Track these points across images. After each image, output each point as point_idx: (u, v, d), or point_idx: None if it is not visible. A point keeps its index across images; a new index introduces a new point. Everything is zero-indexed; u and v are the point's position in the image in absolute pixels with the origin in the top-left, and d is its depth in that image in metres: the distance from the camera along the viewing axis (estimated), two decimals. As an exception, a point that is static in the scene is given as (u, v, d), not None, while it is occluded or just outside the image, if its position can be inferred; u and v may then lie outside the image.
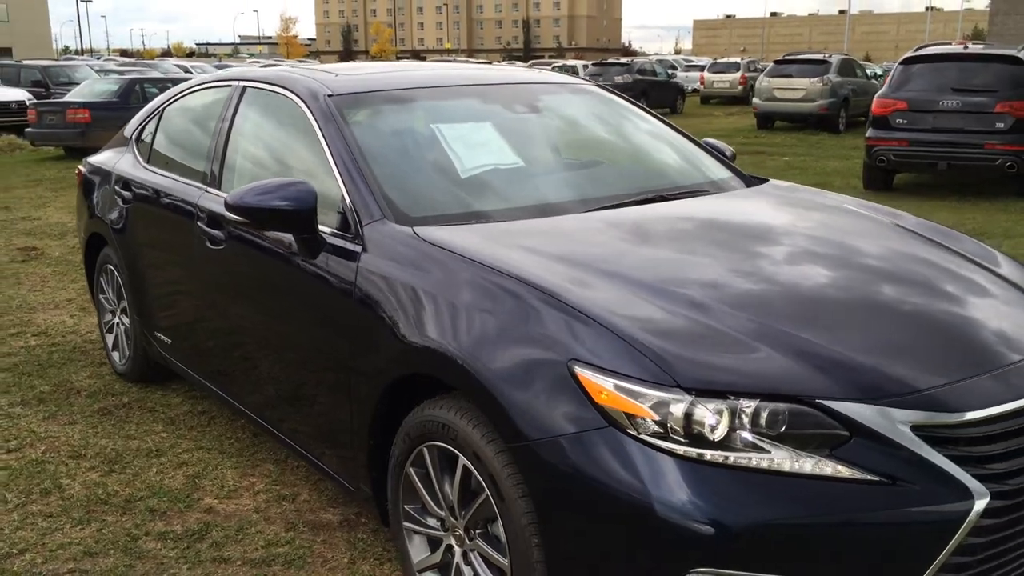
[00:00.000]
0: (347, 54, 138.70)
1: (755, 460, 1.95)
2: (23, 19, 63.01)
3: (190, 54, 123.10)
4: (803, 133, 19.63)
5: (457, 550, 2.49)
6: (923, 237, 3.05)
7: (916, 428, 1.99)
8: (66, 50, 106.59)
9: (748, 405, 1.98)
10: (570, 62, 37.31)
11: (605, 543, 2.05)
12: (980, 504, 1.95)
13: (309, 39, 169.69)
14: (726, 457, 1.96)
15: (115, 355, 4.74)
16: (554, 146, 3.59)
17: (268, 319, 3.27)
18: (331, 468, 3.02)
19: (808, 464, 1.95)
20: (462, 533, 2.46)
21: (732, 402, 1.98)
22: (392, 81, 3.57)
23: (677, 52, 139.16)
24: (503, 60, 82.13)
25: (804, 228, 3.03)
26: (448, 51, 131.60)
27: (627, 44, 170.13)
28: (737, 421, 1.98)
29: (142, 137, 4.48)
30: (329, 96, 3.23)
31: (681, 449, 1.97)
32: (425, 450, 2.50)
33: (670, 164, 3.66)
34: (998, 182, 10.88)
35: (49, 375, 4.75)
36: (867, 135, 11.26)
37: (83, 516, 3.31)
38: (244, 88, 3.71)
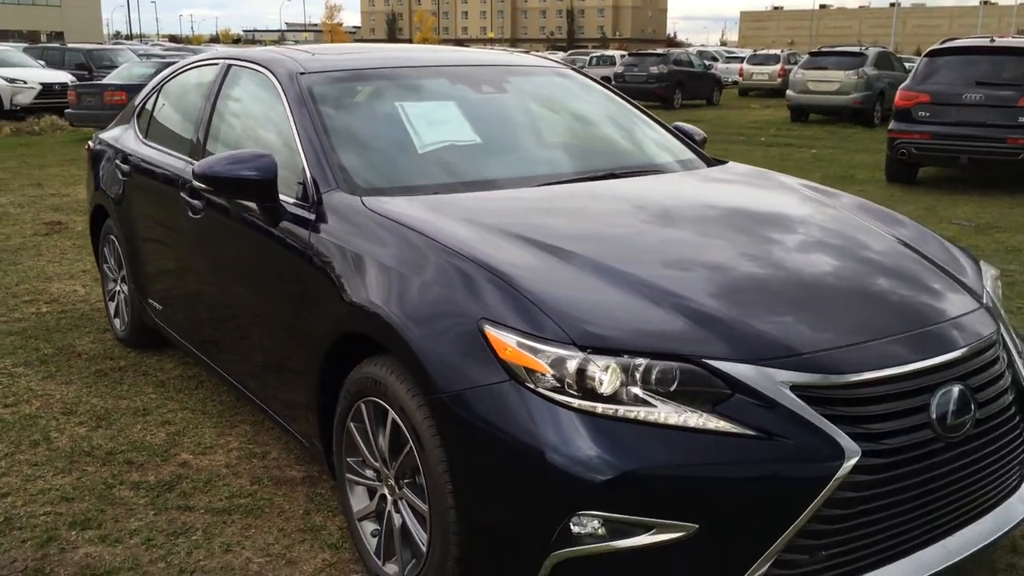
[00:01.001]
0: (391, 42, 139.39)
1: (642, 414, 2.08)
2: (74, 4, 64.36)
3: (236, 40, 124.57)
4: (836, 126, 19.45)
5: (389, 498, 2.66)
6: (864, 218, 3.14)
7: (797, 388, 2.11)
8: (117, 35, 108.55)
9: (639, 363, 2.11)
10: (608, 52, 37.26)
11: (505, 488, 2.19)
12: (851, 461, 2.06)
13: (354, 27, 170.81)
14: (616, 410, 2.09)
15: (116, 322, 4.97)
16: (516, 125, 3.71)
17: (239, 286, 3.45)
18: (290, 425, 3.20)
19: (692, 418, 2.07)
20: (393, 483, 2.62)
21: (624, 360, 2.12)
22: (367, 61, 3.74)
23: (723, 43, 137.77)
24: (546, 50, 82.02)
25: (738, 203, 3.16)
26: (491, 40, 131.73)
27: (672, 35, 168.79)
28: (628, 377, 2.11)
29: (142, 112, 4.70)
30: (301, 74, 3.39)
31: (575, 402, 2.11)
32: (362, 405, 2.67)
33: (631, 145, 3.78)
34: (1021, 177, 10.76)
35: (54, 339, 5.00)
36: (890, 128, 11.18)
37: (66, 466, 3.53)
38: (229, 66, 3.90)
